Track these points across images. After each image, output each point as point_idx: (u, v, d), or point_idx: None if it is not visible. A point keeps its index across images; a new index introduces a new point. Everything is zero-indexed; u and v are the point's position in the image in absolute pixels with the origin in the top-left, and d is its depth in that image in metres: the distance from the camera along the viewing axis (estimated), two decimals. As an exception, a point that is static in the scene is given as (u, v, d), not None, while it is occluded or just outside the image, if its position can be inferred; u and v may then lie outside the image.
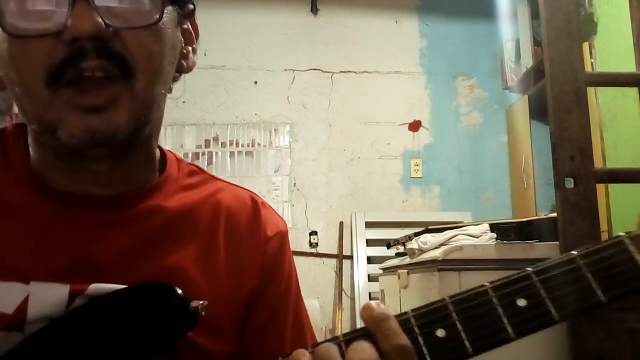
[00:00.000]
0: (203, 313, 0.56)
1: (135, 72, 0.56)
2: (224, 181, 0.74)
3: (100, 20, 0.53)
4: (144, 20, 0.56)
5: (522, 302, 0.46)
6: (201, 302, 0.56)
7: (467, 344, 0.46)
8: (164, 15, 0.57)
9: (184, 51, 0.66)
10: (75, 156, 0.59)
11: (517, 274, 0.47)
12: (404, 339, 0.47)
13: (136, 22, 0.56)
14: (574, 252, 0.47)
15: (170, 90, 0.65)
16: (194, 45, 0.68)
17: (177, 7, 0.62)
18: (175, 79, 0.66)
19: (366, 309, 0.49)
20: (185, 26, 0.66)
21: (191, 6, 0.65)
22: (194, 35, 0.68)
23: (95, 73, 0.54)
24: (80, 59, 0.53)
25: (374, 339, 0.47)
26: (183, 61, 0.66)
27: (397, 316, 0.49)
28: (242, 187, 0.75)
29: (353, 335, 0.48)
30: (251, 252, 0.69)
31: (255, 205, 0.73)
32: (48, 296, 0.55)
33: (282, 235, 0.74)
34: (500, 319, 0.46)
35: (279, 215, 0.77)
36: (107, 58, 0.54)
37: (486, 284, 0.47)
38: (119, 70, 0.55)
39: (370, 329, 0.48)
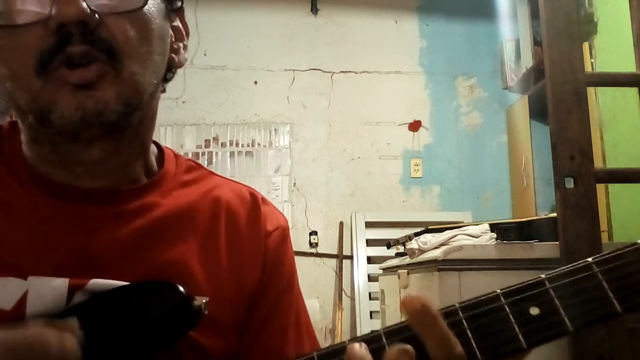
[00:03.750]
0: (206, 312, 0.56)
1: (121, 57, 0.56)
2: (222, 177, 0.74)
3: (84, 5, 0.54)
4: (128, 5, 0.57)
5: (534, 311, 0.43)
6: (204, 300, 0.56)
7: (477, 353, 0.43)
8: (149, 4, 0.58)
9: (175, 46, 0.67)
10: (70, 143, 0.59)
11: (530, 280, 0.45)
12: (459, 346, 0.43)
13: (121, 8, 0.56)
14: (589, 259, 0.44)
15: (164, 90, 0.66)
16: (185, 42, 0.69)
17: (165, 0, 0.62)
18: (168, 79, 0.66)
19: (408, 304, 0.44)
20: (175, 23, 0.67)
21: (179, 3, 0.66)
22: (184, 32, 0.69)
23: (82, 60, 0.55)
24: (67, 43, 0.54)
25: (423, 343, 0.43)
26: (174, 55, 0.66)
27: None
28: (240, 183, 0.75)
29: (395, 338, 0.44)
30: (252, 247, 0.69)
31: (255, 201, 0.73)
32: (47, 291, 0.55)
33: (283, 230, 0.73)
34: (512, 327, 0.43)
35: (279, 210, 0.77)
36: (92, 44, 0.55)
37: (497, 290, 0.45)
38: (105, 55, 0.55)
39: (419, 332, 0.44)
